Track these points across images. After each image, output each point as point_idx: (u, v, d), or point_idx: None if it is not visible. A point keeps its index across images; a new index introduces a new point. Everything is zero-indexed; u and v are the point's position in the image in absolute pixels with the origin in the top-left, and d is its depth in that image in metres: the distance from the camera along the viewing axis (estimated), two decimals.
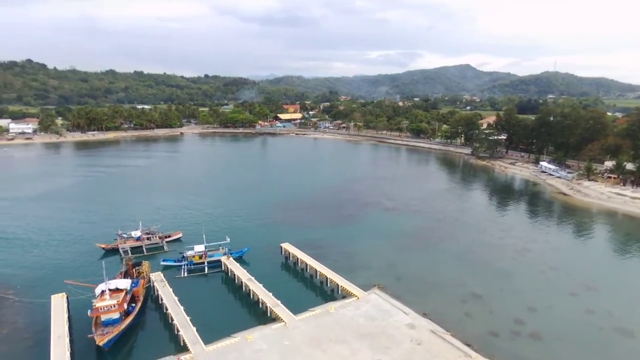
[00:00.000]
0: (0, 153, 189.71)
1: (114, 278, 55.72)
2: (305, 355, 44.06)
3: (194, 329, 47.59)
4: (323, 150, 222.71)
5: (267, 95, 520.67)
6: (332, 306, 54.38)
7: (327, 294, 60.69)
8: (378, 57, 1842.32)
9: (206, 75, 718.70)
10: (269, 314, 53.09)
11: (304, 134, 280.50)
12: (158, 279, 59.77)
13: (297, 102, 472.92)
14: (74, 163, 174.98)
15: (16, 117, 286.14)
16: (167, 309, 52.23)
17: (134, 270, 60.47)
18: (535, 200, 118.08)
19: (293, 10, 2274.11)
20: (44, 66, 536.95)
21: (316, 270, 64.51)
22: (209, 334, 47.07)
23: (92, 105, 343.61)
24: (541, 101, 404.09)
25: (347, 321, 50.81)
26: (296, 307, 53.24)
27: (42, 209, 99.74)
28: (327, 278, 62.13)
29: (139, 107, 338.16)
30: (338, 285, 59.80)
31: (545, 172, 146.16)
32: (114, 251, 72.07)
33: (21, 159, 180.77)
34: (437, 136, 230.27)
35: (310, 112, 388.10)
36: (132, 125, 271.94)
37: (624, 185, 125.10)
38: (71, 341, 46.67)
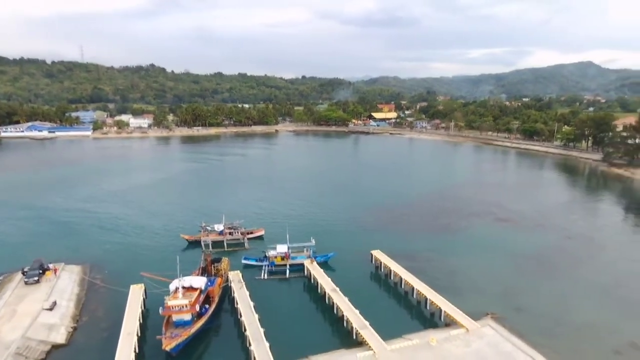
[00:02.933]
0: (120, 144, 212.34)
1: (191, 274, 51.79)
2: None
3: (267, 345, 40.78)
4: (420, 151, 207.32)
5: (362, 95, 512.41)
6: (433, 337, 43.62)
7: (425, 318, 49.93)
8: (481, 56, 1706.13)
9: (303, 77, 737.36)
10: (354, 336, 44.39)
11: (399, 134, 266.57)
12: (236, 279, 54.69)
13: (393, 102, 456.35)
14: (179, 155, 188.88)
15: (137, 113, 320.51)
16: (241, 315, 46.46)
17: (212, 266, 56.22)
18: None
19: (392, 11, 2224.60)
20: (163, 70, 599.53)
21: (413, 287, 53.89)
22: (283, 353, 40.15)
23: (200, 104, 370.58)
24: None
25: None
26: (387, 332, 43.91)
27: (146, 196, 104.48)
28: (426, 298, 51.19)
29: (240, 105, 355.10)
30: (441, 310, 48.58)
31: None
32: (196, 243, 69.77)
33: (138, 149, 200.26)
34: (556, 139, 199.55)
35: (406, 112, 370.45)
36: (232, 122, 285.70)
37: None
38: (141, 339, 43.35)
